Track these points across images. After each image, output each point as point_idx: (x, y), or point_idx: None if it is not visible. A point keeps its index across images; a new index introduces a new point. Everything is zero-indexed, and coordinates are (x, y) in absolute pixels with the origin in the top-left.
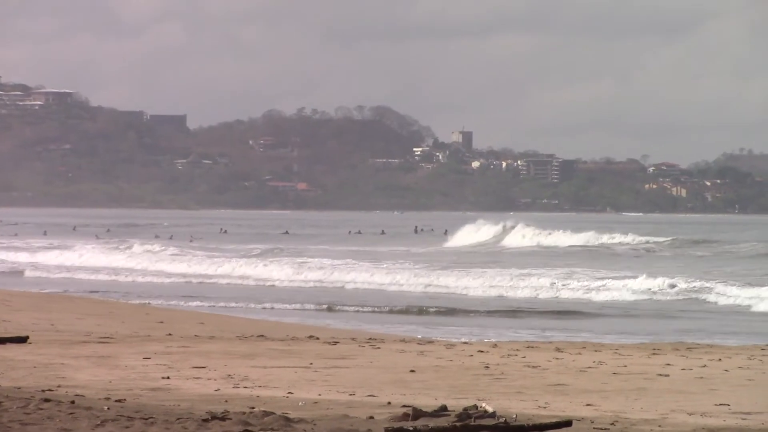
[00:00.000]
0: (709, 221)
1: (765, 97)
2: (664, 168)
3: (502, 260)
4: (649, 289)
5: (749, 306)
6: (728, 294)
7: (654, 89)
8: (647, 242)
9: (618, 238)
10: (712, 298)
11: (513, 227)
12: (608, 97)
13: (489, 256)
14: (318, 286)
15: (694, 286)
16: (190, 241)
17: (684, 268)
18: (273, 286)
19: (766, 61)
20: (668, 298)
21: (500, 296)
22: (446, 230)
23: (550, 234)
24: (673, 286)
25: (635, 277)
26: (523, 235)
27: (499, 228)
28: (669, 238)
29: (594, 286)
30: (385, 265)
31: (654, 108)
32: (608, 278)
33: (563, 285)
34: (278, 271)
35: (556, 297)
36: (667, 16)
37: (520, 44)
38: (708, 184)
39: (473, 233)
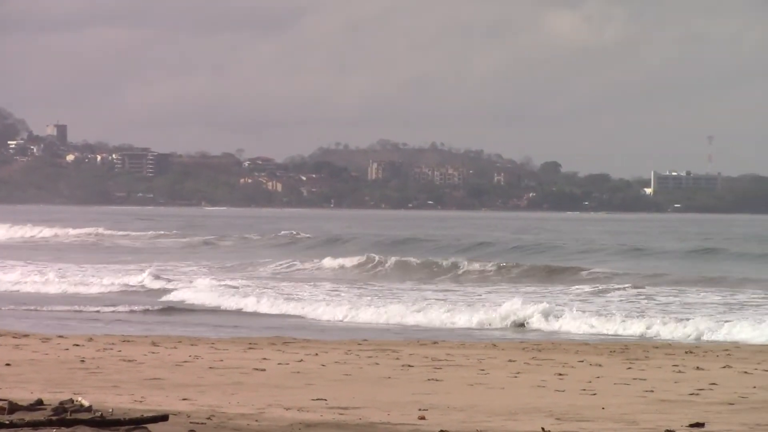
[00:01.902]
0: (289, 215)
1: (361, 93)
2: (260, 162)
3: None
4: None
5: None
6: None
7: (250, 84)
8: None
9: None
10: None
11: None
12: (204, 92)
13: None
14: None
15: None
16: None
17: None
18: None
19: (362, 57)
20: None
21: None
22: None
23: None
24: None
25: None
26: None
27: None
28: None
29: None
30: None
31: (250, 103)
32: None
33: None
34: None
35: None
36: (264, 11)
37: (115, 38)
38: (304, 178)
39: None
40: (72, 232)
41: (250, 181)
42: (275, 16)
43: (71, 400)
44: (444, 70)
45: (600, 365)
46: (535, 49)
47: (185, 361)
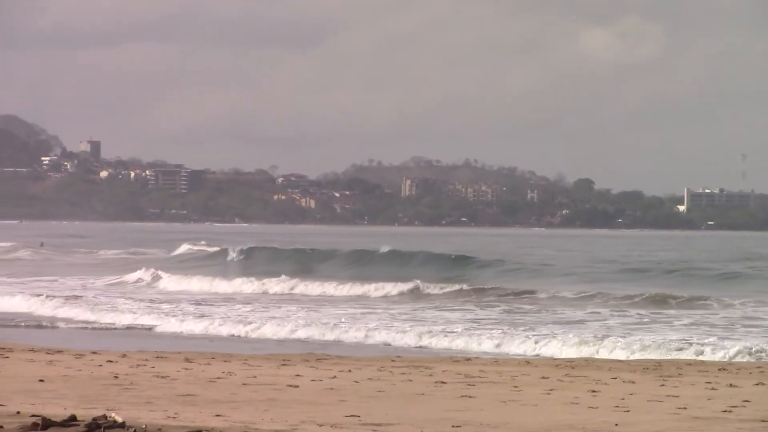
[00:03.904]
0: (321, 232)
1: (394, 109)
2: (293, 179)
3: None
4: None
5: None
6: None
7: (284, 100)
8: None
9: None
10: None
11: None
12: (238, 108)
13: None
14: None
15: None
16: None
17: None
18: None
19: (396, 74)
20: None
21: None
22: None
23: None
24: None
25: None
26: None
27: None
28: None
29: None
30: None
31: (284, 119)
32: None
33: None
34: None
35: None
36: (299, 27)
37: (149, 54)
38: (337, 195)
39: None
40: None
41: (283, 197)
42: (310, 32)
43: (104, 416)
44: (478, 86)
45: (633, 382)
46: (569, 66)
47: (218, 378)
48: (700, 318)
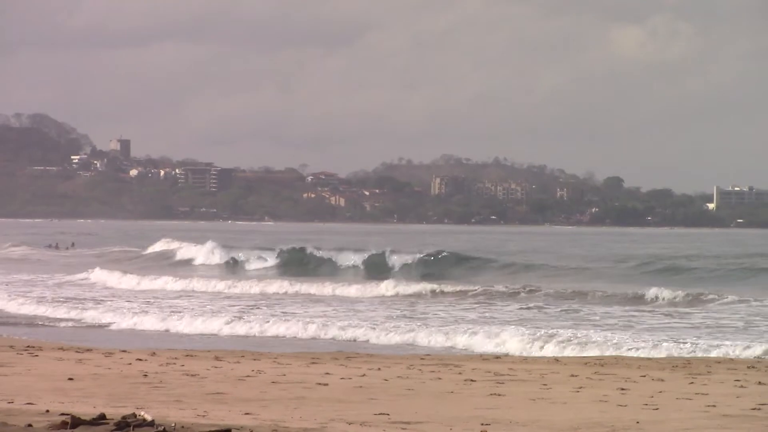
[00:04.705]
0: (348, 230)
1: (423, 108)
2: (323, 177)
3: None
4: None
5: None
6: None
7: (314, 99)
8: None
9: None
10: None
11: None
12: (268, 107)
13: None
14: None
15: None
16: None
17: None
18: None
19: (426, 73)
20: None
21: None
22: None
23: None
24: None
25: None
26: None
27: None
28: None
29: None
30: None
31: (314, 118)
32: None
33: None
34: None
35: None
36: (330, 26)
37: (179, 53)
38: (367, 193)
39: None
40: None
41: (313, 196)
42: (340, 32)
43: (134, 415)
44: (508, 85)
45: (662, 380)
46: (600, 64)
47: (248, 376)
48: (720, 315)
